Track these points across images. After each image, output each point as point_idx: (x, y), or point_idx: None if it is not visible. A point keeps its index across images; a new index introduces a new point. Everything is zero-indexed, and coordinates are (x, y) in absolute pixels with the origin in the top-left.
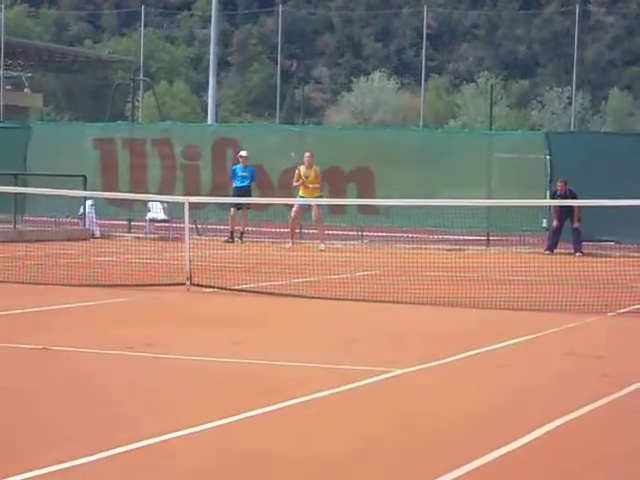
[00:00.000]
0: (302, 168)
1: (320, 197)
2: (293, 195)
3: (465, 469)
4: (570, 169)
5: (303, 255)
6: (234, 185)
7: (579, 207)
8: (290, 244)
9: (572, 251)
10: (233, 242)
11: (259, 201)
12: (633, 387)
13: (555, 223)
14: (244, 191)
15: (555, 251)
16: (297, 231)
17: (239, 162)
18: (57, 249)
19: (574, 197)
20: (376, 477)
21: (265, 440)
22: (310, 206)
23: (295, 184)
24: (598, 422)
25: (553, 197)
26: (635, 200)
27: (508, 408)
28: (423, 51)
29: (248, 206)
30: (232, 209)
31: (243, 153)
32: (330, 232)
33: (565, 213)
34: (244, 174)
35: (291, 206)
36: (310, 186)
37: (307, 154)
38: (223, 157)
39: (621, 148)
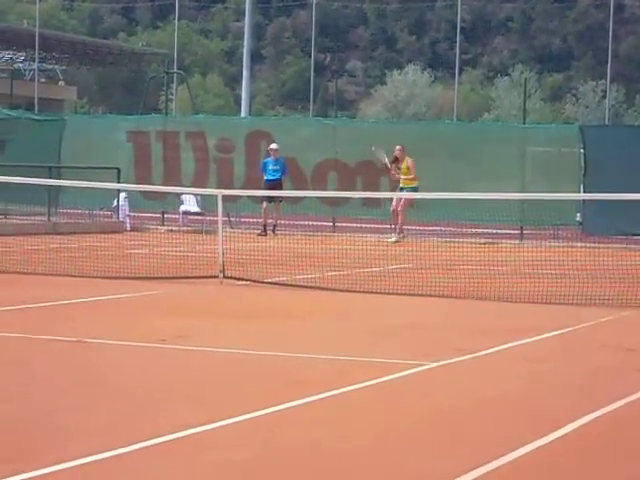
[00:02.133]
0: (388, 160)
1: (414, 189)
2: (394, 190)
3: (495, 464)
4: (604, 163)
5: (338, 248)
6: (265, 178)
7: None
8: (400, 236)
9: None
10: (266, 235)
11: (292, 194)
12: None
13: None
14: (275, 184)
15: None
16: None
17: (270, 155)
18: (91, 242)
19: None
20: (408, 469)
21: (301, 432)
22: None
23: (396, 177)
24: (630, 416)
25: None
26: None
27: (541, 401)
28: (457, 44)
29: (280, 199)
30: (264, 202)
31: (274, 146)
32: (365, 225)
33: None
34: (275, 167)
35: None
36: (403, 177)
37: (398, 147)
38: (256, 150)
39: None
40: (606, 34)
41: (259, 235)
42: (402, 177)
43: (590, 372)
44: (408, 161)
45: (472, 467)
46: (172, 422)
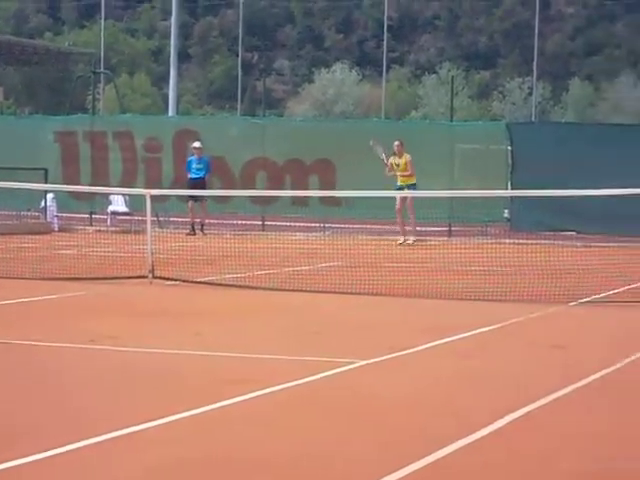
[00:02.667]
0: (392, 158)
1: (413, 185)
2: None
3: (427, 461)
4: (531, 159)
5: (266, 247)
6: (189, 177)
7: None
8: (402, 239)
9: None
10: (195, 234)
11: (221, 193)
12: (595, 376)
13: None
14: (199, 183)
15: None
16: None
17: (194, 154)
18: (18, 243)
19: None
20: (336, 468)
21: (234, 430)
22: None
23: (388, 174)
24: (561, 410)
25: None
26: (596, 190)
27: (470, 398)
28: (384, 42)
29: (205, 198)
30: (190, 201)
31: (197, 144)
32: (292, 224)
33: None
34: (199, 166)
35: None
36: (402, 174)
37: (396, 142)
38: (184, 149)
39: (582, 138)
40: (532, 32)
41: (188, 234)
42: (399, 174)
43: (519, 368)
44: (406, 157)
45: (399, 466)
46: (107, 422)
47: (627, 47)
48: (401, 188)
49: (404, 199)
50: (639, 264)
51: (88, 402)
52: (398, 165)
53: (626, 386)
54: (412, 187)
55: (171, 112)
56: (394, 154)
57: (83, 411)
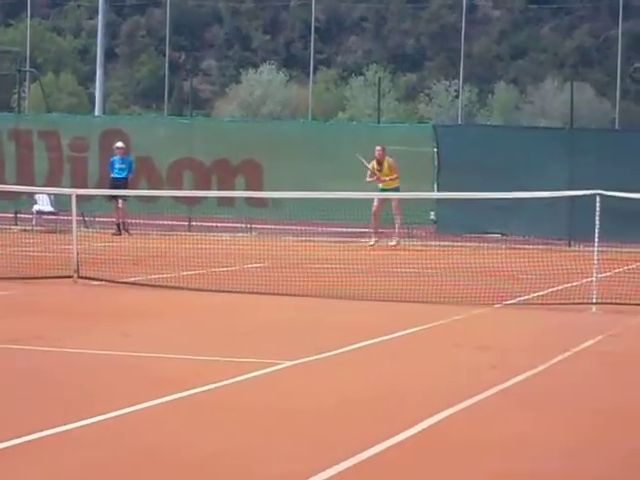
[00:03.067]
0: (374, 163)
1: (396, 189)
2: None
3: (350, 462)
4: (457, 162)
5: (192, 248)
6: (111, 176)
7: None
8: (373, 241)
9: None
10: (121, 234)
11: (147, 193)
12: (519, 378)
13: None
14: (121, 183)
15: None
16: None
17: (116, 153)
18: None
19: None
20: (262, 469)
21: (159, 431)
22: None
23: (369, 180)
24: (485, 412)
25: None
26: (520, 193)
27: (396, 399)
28: (311, 44)
29: (126, 198)
30: (114, 201)
31: (119, 144)
32: (219, 224)
33: None
34: (122, 166)
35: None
36: (386, 179)
37: (378, 148)
38: (110, 149)
39: (507, 141)
40: (459, 35)
41: (114, 234)
42: (384, 178)
43: (444, 370)
44: (389, 161)
45: (325, 467)
46: (30, 423)
47: (552, 51)
48: (383, 191)
49: (382, 202)
50: (563, 266)
51: (9, 402)
52: (380, 170)
53: (549, 388)
54: (394, 190)
55: (97, 111)
56: (375, 159)
57: (3, 411)
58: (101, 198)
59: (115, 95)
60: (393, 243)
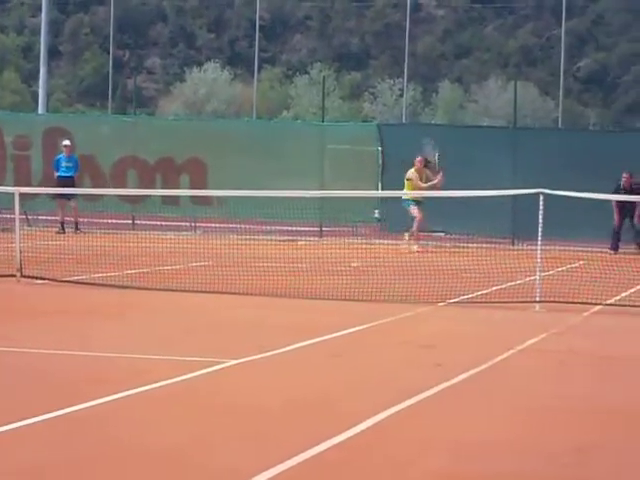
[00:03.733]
0: (412, 171)
1: (415, 202)
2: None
3: (295, 460)
4: (401, 161)
5: (136, 246)
6: (57, 175)
7: None
8: (417, 246)
9: (636, 248)
10: (64, 233)
11: (91, 192)
12: (464, 375)
13: (616, 220)
14: (68, 181)
15: (619, 250)
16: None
17: (63, 152)
18: None
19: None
20: (205, 468)
21: (101, 431)
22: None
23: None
24: (430, 411)
25: (616, 191)
26: (464, 191)
27: (341, 398)
28: (256, 42)
29: (75, 197)
30: (59, 200)
31: (67, 142)
32: (163, 223)
33: (626, 210)
34: (68, 164)
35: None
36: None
37: (418, 158)
38: (54, 147)
39: (451, 140)
40: (403, 33)
41: (57, 233)
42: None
43: (389, 368)
44: (427, 172)
45: (270, 464)
46: None
47: (496, 50)
48: (418, 202)
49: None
50: (506, 265)
51: None
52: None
53: (493, 386)
54: (412, 202)
55: (41, 110)
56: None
57: None
58: (44, 196)
59: (59, 93)
60: (412, 248)
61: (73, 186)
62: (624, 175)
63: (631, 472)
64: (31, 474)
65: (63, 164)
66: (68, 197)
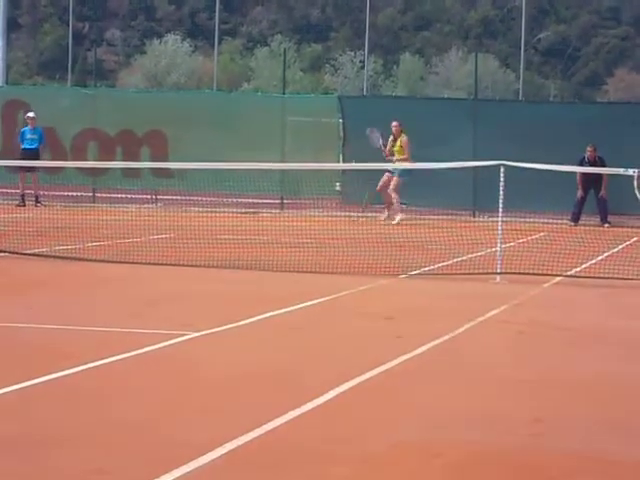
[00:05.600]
0: (390, 141)
1: (406, 171)
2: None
3: (256, 433)
4: (362, 133)
5: (97, 219)
6: (22, 147)
7: (607, 175)
8: (386, 215)
9: (599, 222)
10: (25, 206)
11: (51, 164)
12: (424, 347)
13: (579, 193)
14: (32, 153)
15: (580, 222)
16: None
17: (27, 124)
18: None
19: (603, 164)
20: (162, 444)
21: (60, 405)
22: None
23: (388, 158)
24: (390, 383)
25: (581, 164)
26: (425, 163)
27: (301, 370)
28: (217, 14)
29: (37, 169)
30: (21, 172)
31: (31, 114)
32: (123, 196)
33: (590, 182)
34: (33, 136)
35: None
36: (394, 158)
37: (394, 123)
38: (13, 120)
39: (412, 112)
40: (364, 5)
41: (18, 206)
42: (393, 158)
43: (350, 340)
44: (403, 139)
45: (228, 438)
46: None
47: (457, 22)
48: (391, 172)
49: (390, 177)
50: (467, 237)
51: None
52: (394, 146)
53: (454, 357)
54: (403, 172)
55: (0, 82)
56: (392, 136)
57: None
58: (3, 169)
59: (18, 66)
60: (395, 221)
61: (37, 158)
62: (588, 148)
63: (590, 443)
64: None
65: (28, 136)
66: (30, 170)
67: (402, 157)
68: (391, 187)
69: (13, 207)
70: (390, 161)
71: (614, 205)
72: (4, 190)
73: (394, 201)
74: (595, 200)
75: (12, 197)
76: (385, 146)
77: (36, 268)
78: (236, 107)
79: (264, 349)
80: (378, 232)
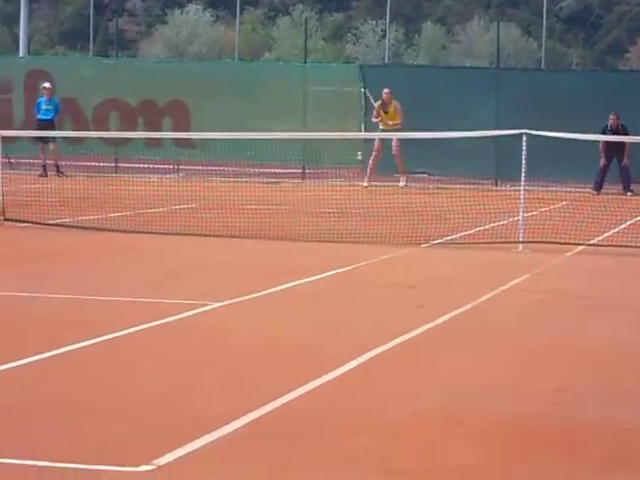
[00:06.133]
0: (379, 103)
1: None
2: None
3: (278, 403)
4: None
5: (119, 189)
6: (37, 118)
7: (629, 144)
8: (367, 182)
9: (622, 190)
10: (47, 176)
11: (73, 134)
12: (447, 317)
13: (602, 161)
14: (48, 124)
15: (602, 191)
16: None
17: (43, 94)
18: None
19: (626, 133)
20: (185, 415)
21: (83, 374)
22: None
23: (374, 120)
24: (413, 351)
25: (603, 132)
26: (447, 132)
27: (323, 340)
28: None
29: (55, 139)
30: (41, 143)
31: (47, 85)
32: (146, 166)
33: (613, 151)
34: (48, 107)
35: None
36: (389, 122)
37: (385, 90)
38: (36, 90)
39: (434, 81)
40: None
41: (40, 176)
42: (389, 122)
43: (372, 310)
44: (395, 105)
45: (252, 408)
46: None
47: None
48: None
49: (383, 144)
50: (490, 206)
51: None
52: (386, 113)
53: (476, 326)
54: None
55: (22, 52)
56: (382, 101)
57: None
58: (27, 140)
59: (39, 36)
60: (402, 184)
61: (53, 129)
62: (611, 116)
63: (613, 410)
64: (12, 416)
65: (43, 107)
66: (47, 140)
67: (396, 121)
68: (395, 152)
69: (36, 177)
70: (385, 123)
71: (637, 173)
72: (27, 161)
73: (400, 165)
74: (618, 168)
75: (35, 168)
76: (376, 109)
77: (58, 238)
78: (258, 77)
79: (285, 319)
80: (400, 201)
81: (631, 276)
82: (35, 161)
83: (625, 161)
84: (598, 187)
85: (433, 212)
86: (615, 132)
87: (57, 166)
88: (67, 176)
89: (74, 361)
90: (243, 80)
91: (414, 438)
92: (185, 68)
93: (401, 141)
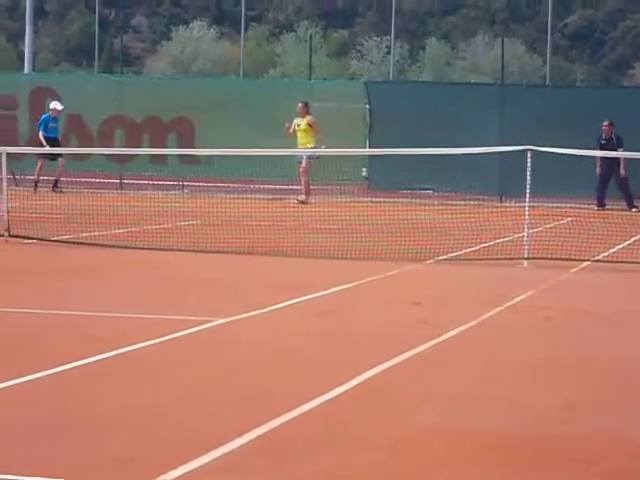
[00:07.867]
0: (295, 119)
1: (314, 148)
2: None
3: (286, 417)
4: (389, 118)
5: (124, 205)
6: (44, 135)
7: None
8: (303, 197)
9: (626, 207)
10: (36, 192)
11: (78, 151)
12: (452, 333)
13: (598, 170)
14: (55, 142)
15: (607, 207)
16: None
17: (50, 112)
18: None
19: (619, 142)
20: (194, 427)
21: (88, 390)
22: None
23: (291, 135)
24: (418, 368)
25: (598, 141)
26: (452, 149)
27: (330, 355)
28: (242, 0)
29: (61, 155)
30: (42, 159)
31: (59, 107)
32: (151, 182)
33: (608, 159)
34: (53, 125)
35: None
36: (300, 142)
37: (299, 104)
38: (41, 107)
39: (438, 97)
40: None
41: (53, 190)
42: (300, 142)
43: (377, 326)
44: (309, 119)
45: (258, 423)
46: None
47: (483, 7)
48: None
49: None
50: (494, 222)
51: None
52: (299, 125)
53: (481, 343)
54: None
55: (27, 69)
56: (298, 115)
57: None
58: (32, 156)
59: (45, 52)
60: (301, 198)
61: (59, 146)
62: (604, 124)
63: (619, 429)
64: (21, 432)
65: (49, 125)
66: (55, 157)
67: (306, 144)
68: (302, 170)
69: (42, 194)
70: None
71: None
72: (32, 177)
73: (304, 183)
74: (616, 182)
75: (41, 184)
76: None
77: (63, 255)
78: (262, 93)
79: (291, 335)
80: (405, 218)
81: (637, 292)
82: (43, 177)
83: (622, 172)
84: (601, 203)
85: (438, 228)
86: (608, 140)
87: (56, 181)
88: (63, 192)
89: (79, 378)
90: (248, 96)
91: (417, 455)
92: (190, 85)
93: (404, 157)
